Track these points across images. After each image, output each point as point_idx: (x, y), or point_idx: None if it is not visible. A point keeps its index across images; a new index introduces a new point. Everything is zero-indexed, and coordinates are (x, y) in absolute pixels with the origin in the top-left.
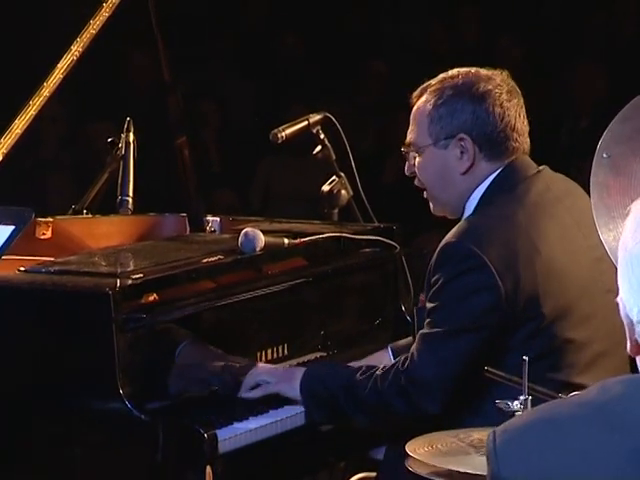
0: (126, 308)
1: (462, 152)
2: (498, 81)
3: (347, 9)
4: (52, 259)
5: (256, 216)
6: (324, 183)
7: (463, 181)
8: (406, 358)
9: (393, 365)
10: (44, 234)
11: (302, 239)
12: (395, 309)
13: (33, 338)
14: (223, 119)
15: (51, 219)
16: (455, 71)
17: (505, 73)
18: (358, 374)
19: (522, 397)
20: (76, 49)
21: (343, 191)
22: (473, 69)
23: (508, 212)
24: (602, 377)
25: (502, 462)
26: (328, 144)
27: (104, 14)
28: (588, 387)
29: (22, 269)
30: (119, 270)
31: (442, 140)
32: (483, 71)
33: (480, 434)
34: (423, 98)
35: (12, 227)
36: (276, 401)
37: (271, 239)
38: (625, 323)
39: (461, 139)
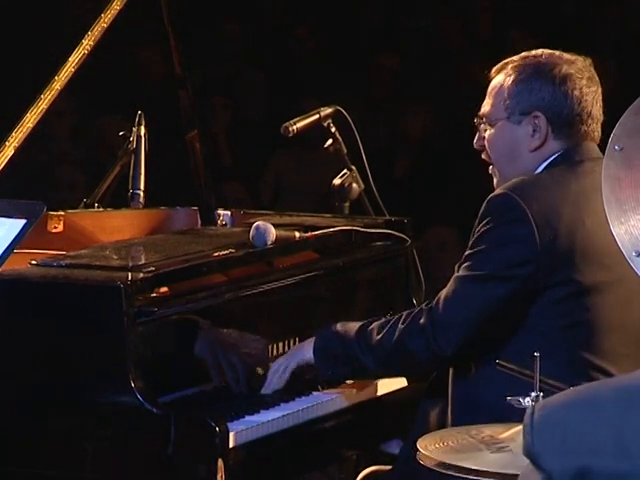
0: (137, 301)
1: (534, 130)
2: (579, 66)
3: (360, 2)
4: (64, 253)
5: (267, 209)
6: (335, 176)
7: (530, 158)
8: (431, 300)
9: (417, 307)
10: (56, 228)
11: (313, 232)
12: (406, 302)
13: (44, 332)
14: (234, 113)
15: (63, 213)
16: (539, 51)
17: (588, 60)
18: (375, 322)
19: (534, 394)
20: (87, 43)
21: (354, 184)
22: (557, 52)
23: (561, 179)
24: (628, 363)
25: (537, 437)
26: (339, 137)
27: (115, 8)
28: (608, 373)
29: (34, 263)
30: (130, 264)
31: (517, 115)
32: (566, 55)
33: (491, 430)
34: (503, 73)
35: (24, 221)
36: (287, 394)
37: (282, 232)
38: None
39: (536, 117)
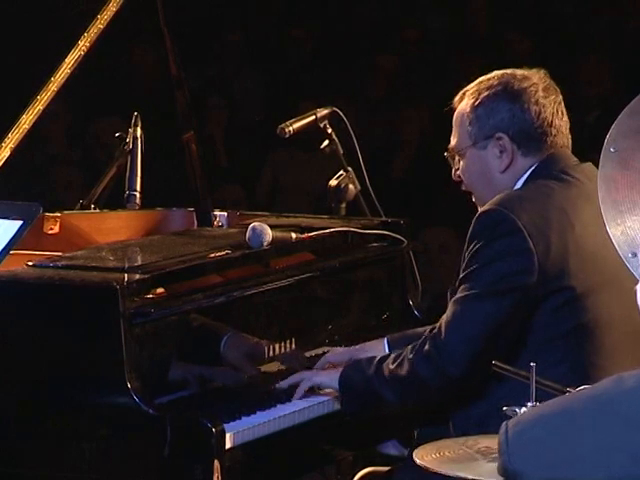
0: (134, 303)
1: (501, 151)
2: (534, 79)
3: (357, 3)
4: (60, 254)
5: (263, 210)
6: (332, 177)
7: (503, 178)
8: (435, 326)
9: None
10: (52, 229)
11: (309, 234)
12: (403, 303)
13: (40, 333)
14: (231, 114)
15: (59, 214)
16: (492, 73)
17: (542, 71)
18: (393, 354)
19: (530, 404)
20: (83, 44)
21: (351, 185)
22: (509, 70)
23: (544, 189)
24: (628, 361)
25: (513, 453)
26: (335, 138)
27: (111, 9)
28: (610, 372)
29: (30, 264)
30: (127, 265)
31: (481, 141)
32: (519, 71)
33: (488, 441)
34: (463, 102)
35: (20, 222)
36: (283, 395)
37: (279, 234)
38: None
39: (499, 138)
